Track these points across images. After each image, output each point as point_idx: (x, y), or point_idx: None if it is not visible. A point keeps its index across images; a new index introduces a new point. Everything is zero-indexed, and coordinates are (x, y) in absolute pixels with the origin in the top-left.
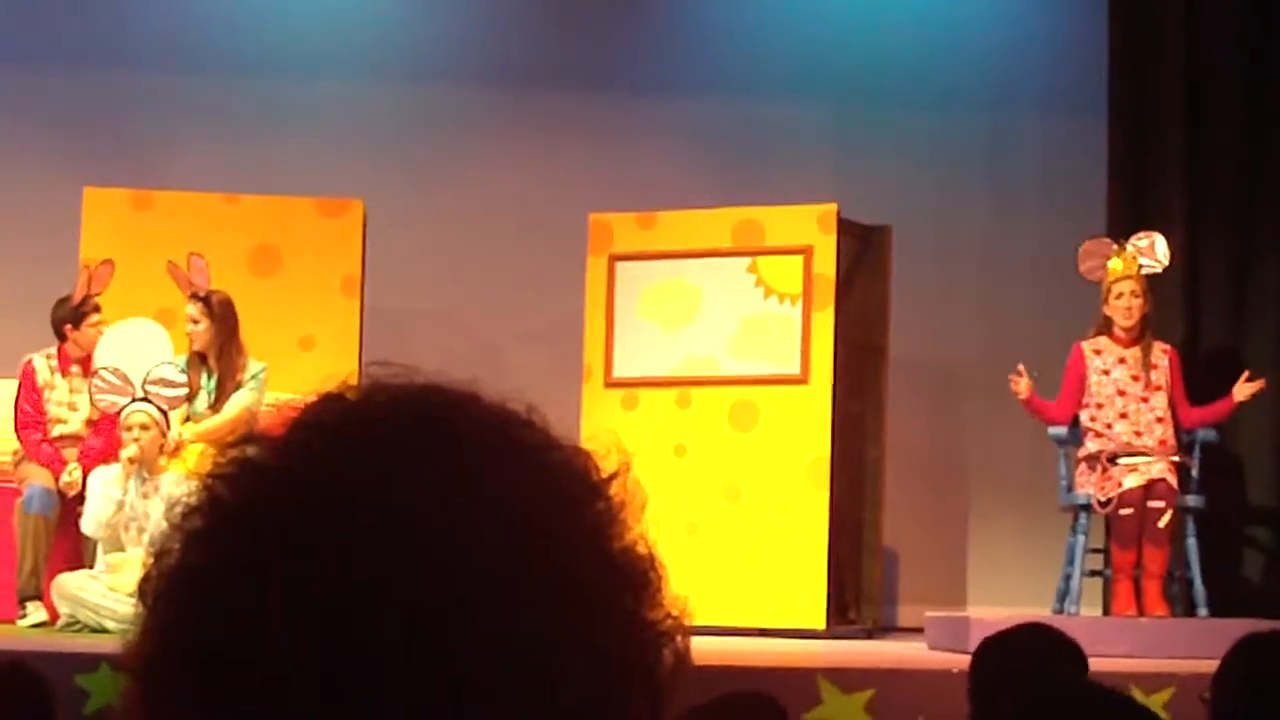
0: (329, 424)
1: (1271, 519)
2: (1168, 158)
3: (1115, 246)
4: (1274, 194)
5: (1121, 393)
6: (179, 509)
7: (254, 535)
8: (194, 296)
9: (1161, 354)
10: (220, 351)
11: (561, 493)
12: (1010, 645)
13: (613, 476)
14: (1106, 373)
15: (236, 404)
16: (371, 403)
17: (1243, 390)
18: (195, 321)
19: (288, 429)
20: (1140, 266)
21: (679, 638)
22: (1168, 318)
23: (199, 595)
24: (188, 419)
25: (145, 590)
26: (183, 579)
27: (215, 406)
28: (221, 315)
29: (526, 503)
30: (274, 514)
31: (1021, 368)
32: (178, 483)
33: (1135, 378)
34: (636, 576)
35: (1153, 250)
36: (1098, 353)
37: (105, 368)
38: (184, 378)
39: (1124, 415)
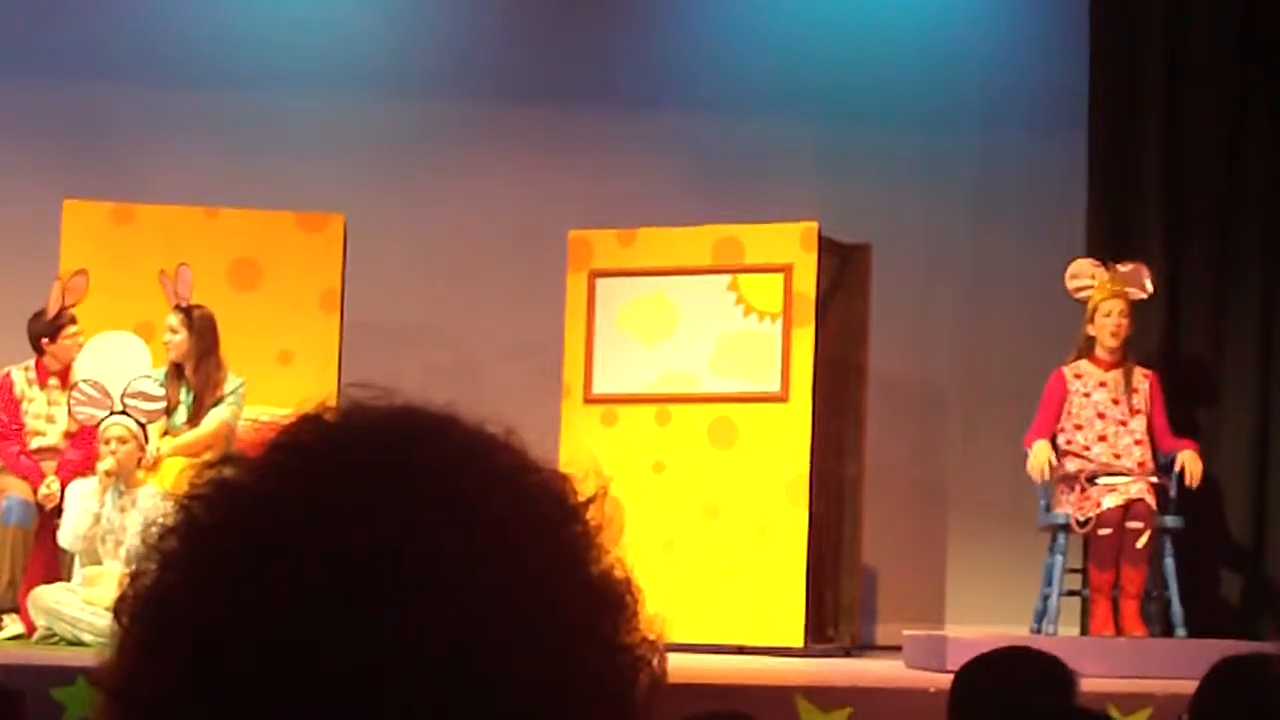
0: (306, 446)
1: (1249, 539)
2: (1147, 178)
3: (1102, 267)
4: (1253, 215)
5: (1101, 415)
6: (155, 529)
7: (230, 557)
8: (176, 307)
9: (1143, 378)
10: (198, 365)
11: (540, 516)
12: (992, 668)
13: (591, 500)
14: (1087, 395)
15: (214, 419)
16: (350, 425)
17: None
18: (174, 331)
19: (265, 450)
20: (1127, 290)
21: (655, 660)
22: (1146, 338)
23: (174, 616)
24: (166, 433)
25: (121, 610)
26: (158, 600)
27: (193, 421)
28: (200, 329)
29: (504, 526)
30: (250, 536)
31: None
32: (155, 497)
33: (1115, 401)
34: (614, 600)
35: (1139, 278)
36: (1078, 376)
37: (85, 380)
38: (163, 391)
39: (1103, 438)
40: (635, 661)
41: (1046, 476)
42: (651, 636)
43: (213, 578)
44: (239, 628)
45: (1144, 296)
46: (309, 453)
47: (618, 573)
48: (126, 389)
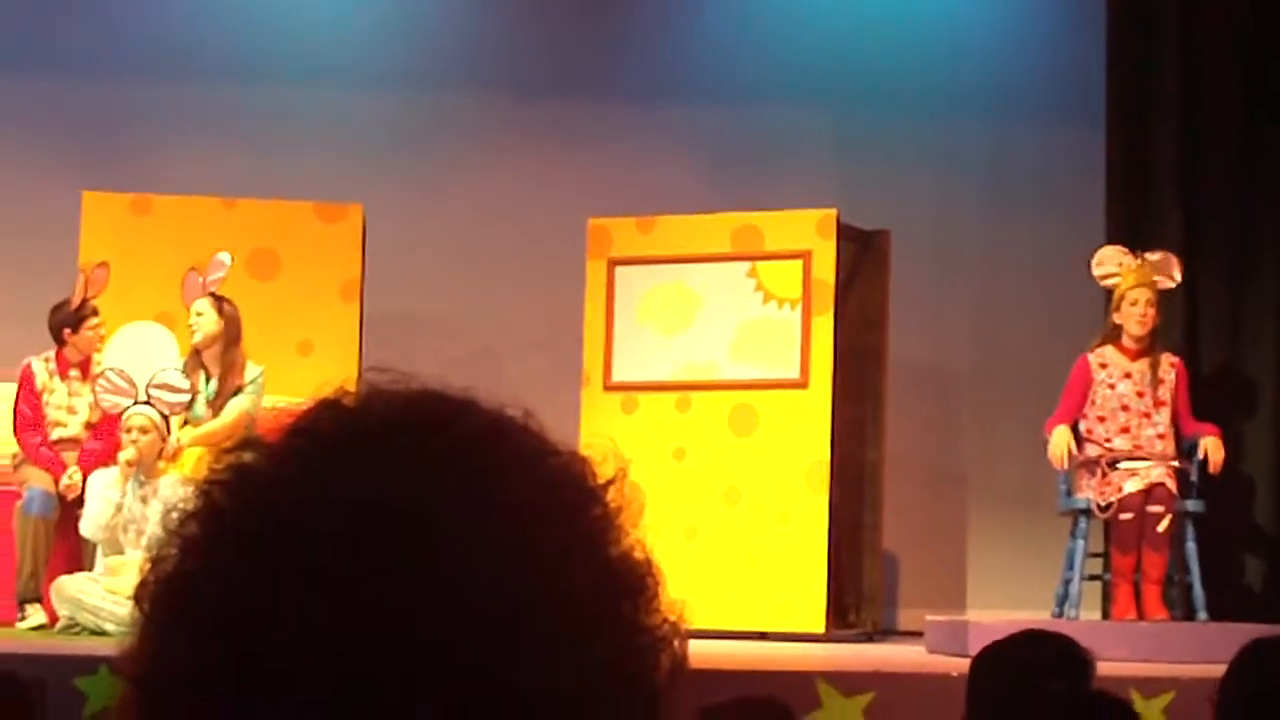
0: (325, 431)
1: (1271, 524)
2: (1165, 167)
3: (1131, 255)
4: (1272, 203)
5: (1125, 408)
6: (175, 515)
7: (249, 541)
8: (208, 294)
9: (1170, 367)
10: (223, 353)
11: (559, 499)
12: (1010, 652)
13: (610, 482)
14: (1112, 386)
15: (235, 408)
16: (368, 410)
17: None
18: (201, 314)
19: (284, 435)
20: (1156, 280)
21: (676, 643)
22: (1167, 327)
23: (195, 602)
24: (186, 423)
25: (141, 596)
26: (179, 585)
27: (214, 409)
28: (230, 318)
29: (524, 509)
30: (270, 521)
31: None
32: (175, 486)
33: (1140, 393)
34: (634, 582)
35: (1168, 268)
36: (1103, 365)
37: (111, 369)
38: (188, 384)
39: (1125, 430)
40: (656, 643)
41: (1065, 465)
42: (673, 619)
43: (232, 562)
44: (259, 612)
45: (1172, 285)
46: (327, 437)
47: (638, 554)
48: (152, 380)
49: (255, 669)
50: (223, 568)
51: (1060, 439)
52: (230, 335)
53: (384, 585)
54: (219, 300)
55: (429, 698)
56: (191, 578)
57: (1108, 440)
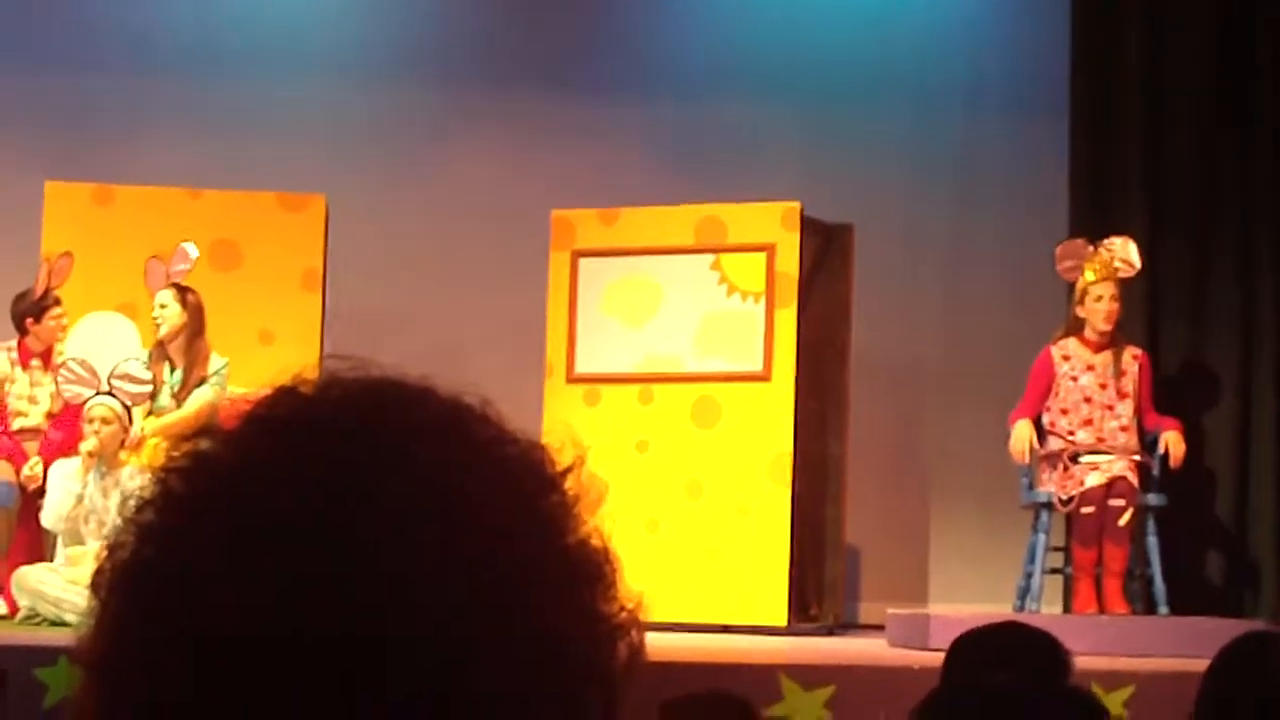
0: (282, 418)
1: (1232, 518)
2: (1128, 161)
3: (1092, 248)
4: (1234, 197)
5: (1088, 400)
6: (132, 502)
7: (206, 529)
8: (172, 284)
9: (1132, 359)
10: (188, 344)
11: (516, 486)
12: (986, 644)
13: (568, 470)
14: (1074, 379)
15: (198, 399)
16: (325, 397)
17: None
18: (164, 306)
19: (241, 422)
20: (1117, 269)
21: (634, 632)
22: (1130, 319)
23: (151, 590)
24: (150, 413)
25: (98, 584)
26: (135, 573)
27: (179, 400)
28: (194, 309)
29: (481, 496)
30: (227, 508)
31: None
32: (136, 476)
33: (1103, 385)
34: (591, 570)
35: (1126, 252)
36: (1066, 358)
37: (73, 358)
38: (150, 375)
39: (1088, 422)
40: (613, 631)
41: (1026, 459)
42: (630, 607)
43: (189, 549)
44: (216, 599)
45: (1133, 272)
46: (284, 424)
47: (596, 543)
48: (114, 370)
49: (211, 656)
50: (179, 555)
51: (1022, 432)
52: (194, 327)
53: (340, 572)
54: (183, 291)
55: (387, 683)
56: (148, 566)
57: (1070, 433)
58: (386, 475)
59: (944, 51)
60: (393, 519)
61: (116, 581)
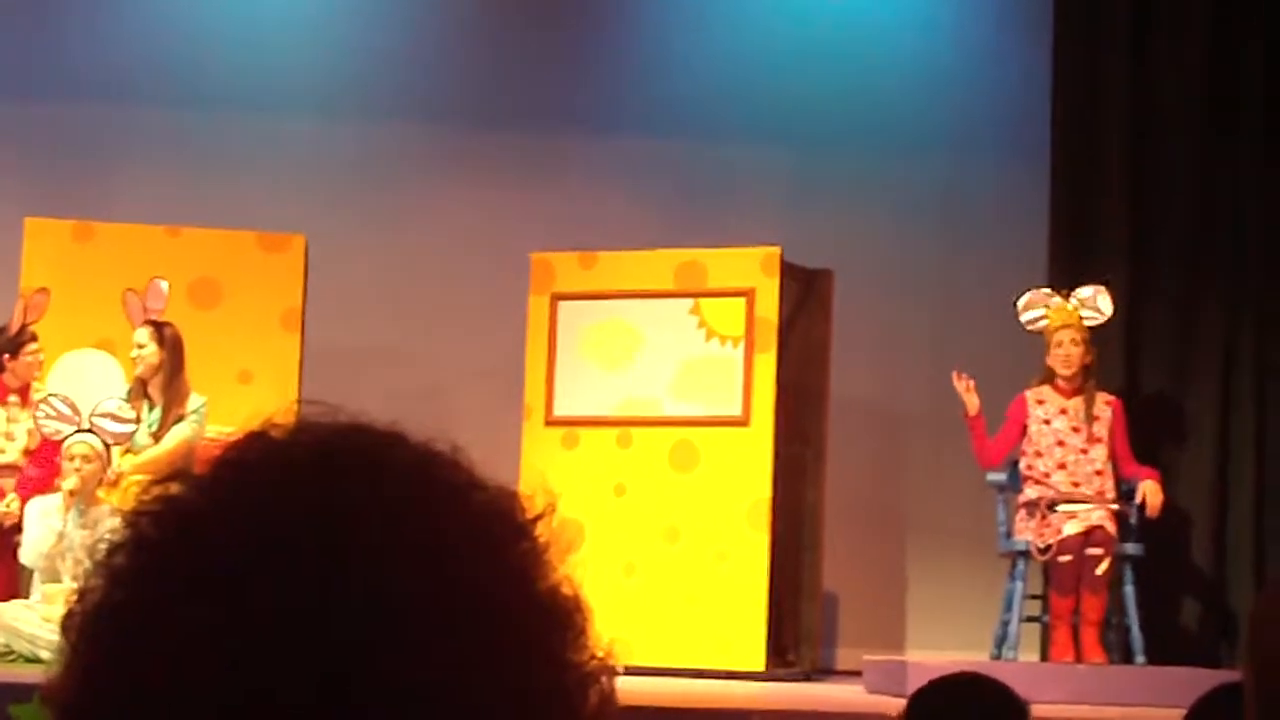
0: (252, 462)
1: (1209, 565)
2: (1110, 206)
3: (1056, 297)
4: (1215, 242)
5: (1060, 443)
6: (103, 545)
7: (176, 573)
8: (147, 321)
9: (1105, 405)
10: (167, 382)
11: (486, 533)
12: (945, 694)
13: (539, 516)
14: (1047, 422)
15: (175, 437)
16: (295, 441)
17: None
18: (142, 346)
19: (212, 466)
20: (1081, 316)
21: (604, 679)
22: (1108, 365)
23: (120, 633)
24: (127, 450)
25: (68, 626)
26: (105, 616)
27: (157, 437)
28: (172, 345)
29: (450, 543)
30: (196, 552)
31: (970, 384)
32: (114, 516)
33: (1076, 429)
34: (562, 618)
35: (1095, 302)
36: (1040, 402)
37: (55, 395)
38: (133, 413)
39: (1062, 465)
40: (584, 679)
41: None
42: (601, 655)
43: (159, 593)
44: (184, 644)
45: (1102, 320)
46: (254, 469)
47: (566, 590)
48: (96, 408)
49: (178, 701)
50: (149, 598)
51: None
52: (173, 364)
53: (309, 618)
54: (159, 328)
55: None
56: (117, 609)
57: (1046, 475)
58: (355, 521)
59: (927, 96)
60: (361, 564)
61: (86, 624)
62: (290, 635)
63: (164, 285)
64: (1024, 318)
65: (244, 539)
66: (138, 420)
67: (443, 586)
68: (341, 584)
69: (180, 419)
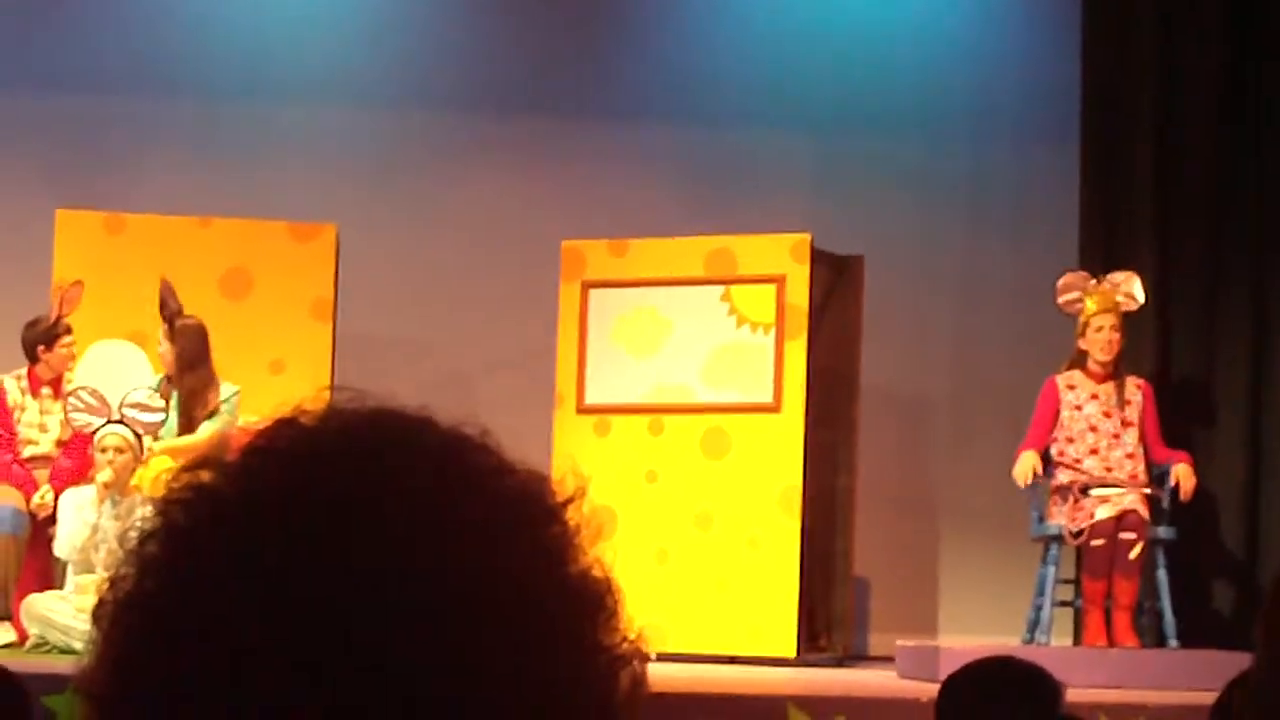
0: (282, 449)
1: (1241, 549)
2: (1139, 189)
3: (1094, 280)
4: (1245, 226)
5: (1093, 429)
6: (134, 534)
7: (207, 561)
8: (164, 318)
9: (1135, 389)
10: (181, 376)
11: (517, 517)
12: (978, 677)
13: (569, 500)
14: (1079, 408)
15: (207, 429)
16: (325, 428)
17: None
18: (159, 343)
19: (242, 454)
20: (1118, 301)
21: (636, 662)
22: (1138, 349)
23: (152, 621)
24: (157, 439)
25: (100, 615)
26: (136, 605)
27: (181, 433)
28: (182, 340)
29: (481, 527)
30: (227, 540)
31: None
32: (147, 505)
33: (1107, 414)
34: (593, 601)
35: (1130, 287)
36: (1070, 387)
37: (83, 387)
38: (161, 402)
39: (1094, 451)
40: (615, 662)
41: (1029, 482)
42: (632, 638)
43: (190, 581)
44: (216, 631)
45: (1135, 306)
46: (284, 456)
47: (597, 573)
48: (125, 399)
49: (211, 689)
50: (181, 587)
51: (1025, 462)
52: (190, 355)
53: (341, 603)
54: (171, 325)
55: (389, 712)
56: (149, 597)
57: (1078, 461)
58: (385, 506)
59: (954, 81)
60: (392, 549)
61: (117, 613)
62: (320, 620)
63: (168, 284)
64: (1061, 299)
65: (274, 526)
66: (167, 409)
67: (473, 570)
68: (371, 569)
69: (212, 411)
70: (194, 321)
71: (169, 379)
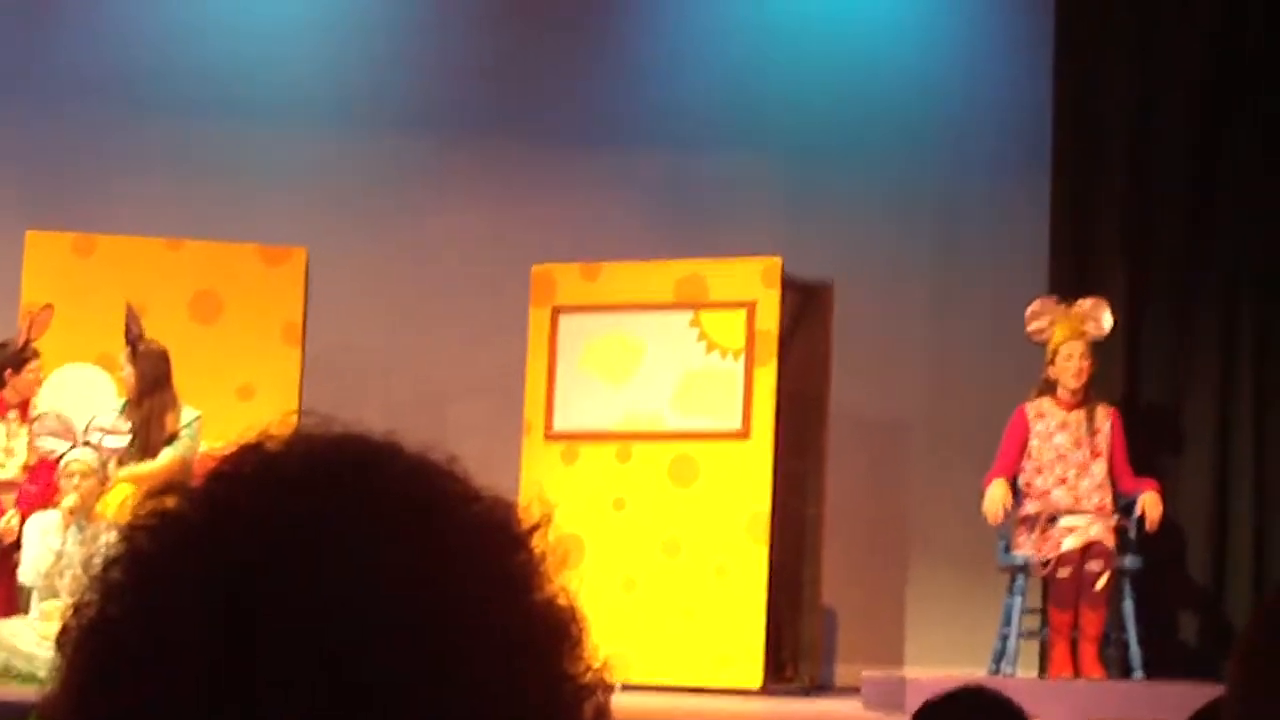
0: (247, 475)
1: (1207, 578)
2: (1109, 218)
3: (1063, 308)
4: (1215, 253)
5: (1062, 458)
6: (99, 560)
7: (171, 587)
8: (128, 341)
9: (1105, 417)
10: (140, 400)
11: (482, 544)
12: (946, 709)
13: (535, 527)
14: (1048, 437)
15: (168, 454)
16: (290, 453)
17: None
18: (121, 367)
19: (207, 479)
20: (1086, 330)
21: (599, 693)
22: (1107, 375)
23: (116, 648)
24: (121, 463)
25: (63, 642)
26: (100, 631)
27: (139, 457)
28: (142, 364)
29: (445, 554)
30: (191, 566)
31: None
32: (111, 530)
33: (1077, 443)
34: (558, 629)
35: (1097, 315)
36: (1040, 416)
37: (48, 411)
38: (127, 426)
39: (1063, 481)
40: (580, 692)
41: (1000, 519)
42: (597, 668)
43: (154, 607)
44: (180, 658)
45: (1103, 334)
46: (249, 482)
47: (562, 601)
48: (90, 423)
49: (175, 715)
50: (144, 612)
51: (995, 493)
52: (150, 379)
53: (305, 629)
54: (133, 349)
55: None
56: (113, 623)
57: (1046, 492)
58: (350, 532)
59: (925, 107)
60: (354, 576)
61: (81, 639)
62: (283, 648)
63: (133, 310)
64: (1030, 327)
65: (238, 551)
66: (133, 433)
67: (437, 598)
68: (334, 597)
69: (172, 436)
70: (156, 346)
71: (130, 402)
